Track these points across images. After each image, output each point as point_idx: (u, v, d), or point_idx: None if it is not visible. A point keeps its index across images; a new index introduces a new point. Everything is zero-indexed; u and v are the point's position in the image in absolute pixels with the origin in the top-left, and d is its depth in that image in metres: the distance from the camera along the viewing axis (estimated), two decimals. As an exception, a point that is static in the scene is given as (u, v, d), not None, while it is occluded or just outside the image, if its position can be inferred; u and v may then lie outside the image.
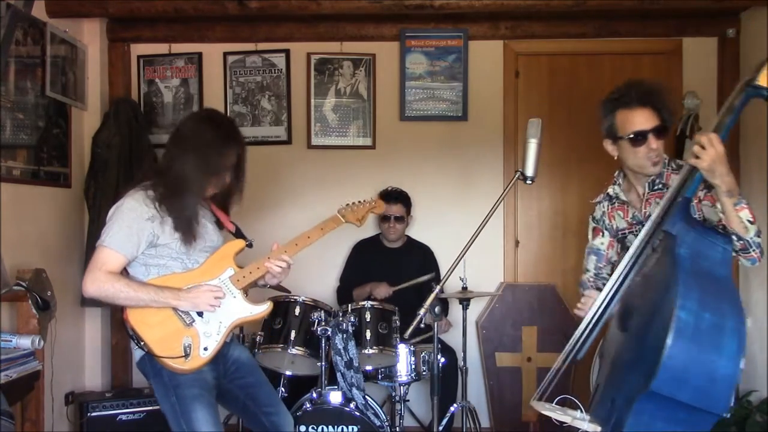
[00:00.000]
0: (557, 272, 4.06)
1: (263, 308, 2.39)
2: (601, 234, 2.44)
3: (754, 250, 2.02)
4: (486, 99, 4.04)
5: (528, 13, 3.82)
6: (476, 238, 2.25)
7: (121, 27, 3.97)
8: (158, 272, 2.28)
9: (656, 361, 1.74)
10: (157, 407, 3.38)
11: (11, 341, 2.80)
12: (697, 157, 1.89)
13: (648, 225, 2.02)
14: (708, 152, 1.87)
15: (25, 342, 2.81)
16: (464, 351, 3.28)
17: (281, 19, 3.91)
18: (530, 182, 2.28)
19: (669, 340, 1.72)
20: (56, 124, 3.56)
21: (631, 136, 2.17)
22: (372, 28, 3.98)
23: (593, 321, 2.07)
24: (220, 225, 2.46)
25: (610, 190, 2.39)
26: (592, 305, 2.12)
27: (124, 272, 2.28)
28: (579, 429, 1.97)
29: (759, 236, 2.02)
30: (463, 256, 2.28)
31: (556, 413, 1.98)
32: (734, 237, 1.99)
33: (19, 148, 3.24)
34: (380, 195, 3.77)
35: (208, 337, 2.28)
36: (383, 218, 3.78)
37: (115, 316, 3.98)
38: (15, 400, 2.75)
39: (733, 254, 2.02)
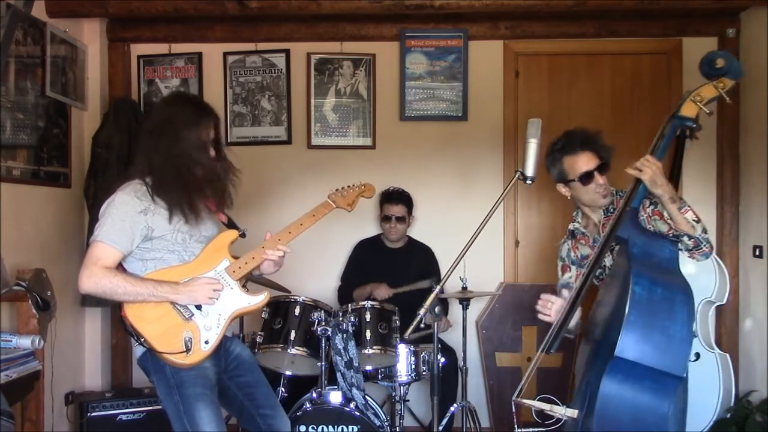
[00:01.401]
0: (557, 272, 4.05)
1: (261, 298, 2.38)
2: (568, 269, 2.70)
3: (705, 245, 2.31)
4: (486, 99, 4.04)
5: (528, 13, 3.82)
6: (476, 238, 2.25)
7: (121, 27, 3.97)
8: (155, 266, 2.26)
9: (618, 330, 1.96)
10: (158, 407, 3.45)
11: (11, 341, 2.80)
12: (640, 171, 2.22)
13: (605, 232, 2.25)
14: (649, 167, 2.22)
15: (25, 342, 2.81)
16: (464, 351, 3.28)
17: (281, 19, 3.91)
18: (530, 182, 2.30)
19: (626, 309, 1.95)
20: (56, 124, 3.56)
21: (580, 176, 2.47)
22: (372, 28, 3.98)
23: (562, 320, 2.20)
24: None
25: (570, 227, 2.68)
26: (554, 308, 2.36)
27: (120, 268, 2.26)
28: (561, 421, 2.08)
29: (706, 233, 2.32)
30: (463, 256, 2.28)
31: (536, 404, 2.08)
32: (685, 237, 2.29)
33: (19, 148, 3.24)
34: (382, 195, 3.77)
35: (209, 330, 2.27)
36: (385, 218, 3.78)
37: (116, 315, 3.98)
38: (15, 400, 2.75)
39: (687, 254, 2.32)
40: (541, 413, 2.10)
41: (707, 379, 3.19)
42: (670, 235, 2.32)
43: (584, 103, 4.04)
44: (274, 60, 4.08)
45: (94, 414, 3.44)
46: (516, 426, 2.25)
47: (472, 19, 3.93)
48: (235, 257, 2.36)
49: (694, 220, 2.29)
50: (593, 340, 2.25)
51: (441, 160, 4.07)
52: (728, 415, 3.34)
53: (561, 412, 2.04)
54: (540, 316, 2.41)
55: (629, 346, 1.94)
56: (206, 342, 2.26)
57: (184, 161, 2.25)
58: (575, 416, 2.04)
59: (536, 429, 2.17)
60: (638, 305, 1.96)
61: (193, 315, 2.26)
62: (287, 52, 4.06)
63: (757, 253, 3.59)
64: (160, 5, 3.55)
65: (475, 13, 3.79)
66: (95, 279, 2.17)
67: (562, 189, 2.58)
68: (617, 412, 1.97)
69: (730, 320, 3.81)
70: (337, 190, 2.57)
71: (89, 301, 3.73)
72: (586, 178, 2.46)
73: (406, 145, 4.07)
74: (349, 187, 2.60)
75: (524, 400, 2.10)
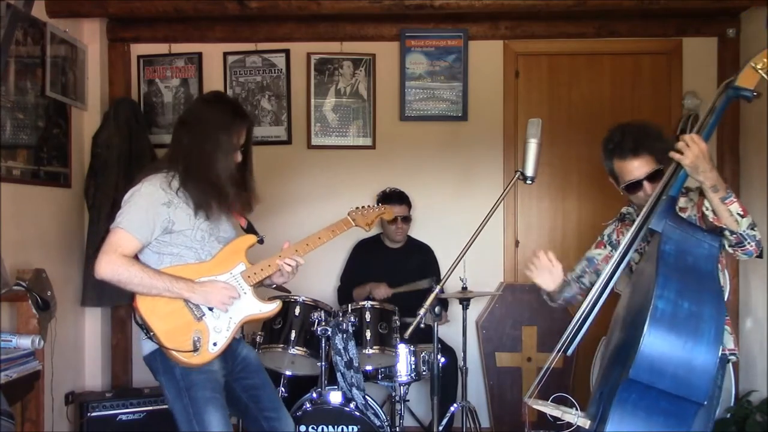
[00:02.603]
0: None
1: (272, 307, 2.37)
2: (602, 247, 2.50)
3: (749, 243, 2.05)
4: (486, 99, 4.04)
5: (528, 13, 3.82)
6: (476, 238, 2.25)
7: (121, 27, 3.97)
8: (171, 261, 2.25)
9: (636, 349, 1.78)
10: (158, 407, 3.46)
11: (11, 341, 2.80)
12: (681, 154, 2.00)
13: (636, 222, 2.09)
14: (691, 149, 1.98)
15: (25, 342, 2.81)
16: (464, 351, 3.28)
17: (281, 19, 3.91)
18: (530, 182, 2.28)
19: (646, 329, 1.77)
20: (56, 124, 3.56)
21: (626, 186, 2.28)
22: (372, 28, 3.98)
23: (582, 317, 2.11)
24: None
25: (623, 209, 2.48)
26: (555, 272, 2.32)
27: (136, 259, 2.24)
28: (573, 426, 2.01)
29: (753, 229, 2.05)
30: (463, 256, 2.28)
31: (548, 408, 2.01)
32: (727, 232, 2.03)
33: (19, 148, 3.24)
34: (381, 196, 3.76)
35: (218, 333, 2.25)
36: (390, 220, 3.75)
37: (116, 315, 3.98)
38: (15, 400, 2.75)
39: (730, 250, 2.08)
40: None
41: (707, 379, 3.19)
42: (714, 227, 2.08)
43: (584, 103, 4.04)
44: (274, 60, 4.08)
45: (94, 414, 3.43)
46: (527, 428, 2.18)
47: (472, 19, 3.93)
48: (251, 263, 2.36)
49: (738, 214, 2.02)
50: (613, 345, 2.10)
51: (441, 160, 4.07)
52: (728, 415, 3.34)
53: (573, 420, 1.98)
54: (529, 272, 2.37)
55: (644, 368, 1.77)
56: (214, 344, 2.25)
57: (210, 160, 2.25)
58: (587, 427, 1.98)
59: (545, 408, 2.04)
60: (659, 323, 1.78)
61: (204, 315, 2.25)
62: (287, 52, 4.06)
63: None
64: (160, 5, 3.55)
65: (475, 13, 3.79)
66: (113, 266, 2.14)
67: (614, 183, 2.40)
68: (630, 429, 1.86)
69: (730, 320, 3.80)
70: (357, 208, 2.56)
71: (89, 301, 3.74)
72: (633, 188, 2.26)
73: (406, 145, 4.07)
74: (369, 207, 2.58)
75: (537, 402, 2.03)
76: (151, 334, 2.20)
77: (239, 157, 2.34)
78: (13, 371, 2.70)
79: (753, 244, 2.06)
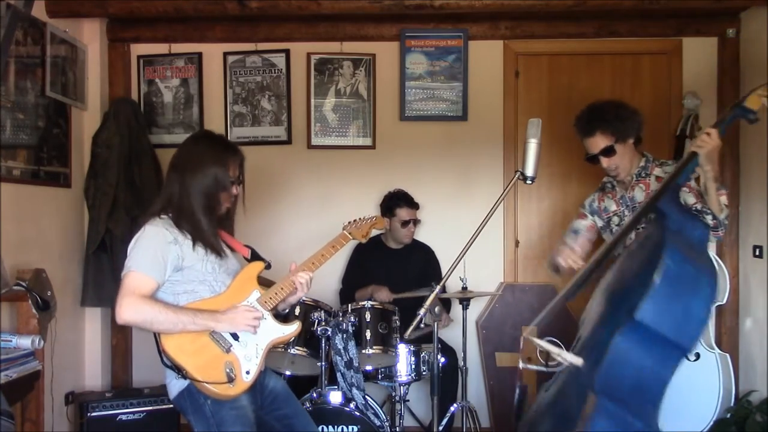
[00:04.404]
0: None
1: (294, 327, 2.41)
2: (585, 218, 2.88)
3: (722, 229, 2.51)
4: (486, 99, 4.04)
5: (528, 13, 3.81)
6: (476, 238, 2.25)
7: (121, 27, 3.97)
8: (187, 299, 2.25)
9: (642, 295, 1.99)
10: (157, 407, 3.49)
11: (11, 341, 2.80)
12: (700, 146, 2.33)
13: (646, 201, 2.38)
14: (710, 142, 2.33)
15: (25, 342, 2.81)
16: (464, 351, 3.28)
17: (281, 19, 3.91)
18: (530, 182, 2.29)
19: (656, 278, 1.98)
20: (56, 124, 3.56)
21: (586, 158, 2.71)
22: (372, 28, 3.98)
23: (590, 269, 2.36)
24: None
25: (605, 179, 2.86)
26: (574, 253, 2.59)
27: None
28: (560, 365, 2.19)
29: (727, 219, 2.51)
30: (463, 256, 2.28)
31: (543, 343, 2.17)
32: (710, 217, 2.48)
33: (19, 148, 3.24)
34: (391, 200, 3.75)
35: (249, 361, 2.27)
36: (403, 223, 3.74)
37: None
38: (15, 400, 2.75)
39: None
40: (543, 354, 2.20)
41: (707, 379, 3.19)
42: (695, 208, 2.49)
43: (584, 103, 3.97)
44: (274, 60, 4.08)
45: (94, 414, 3.44)
46: (520, 360, 2.37)
47: (472, 19, 3.93)
48: (264, 288, 2.39)
49: (725, 204, 2.47)
50: (609, 300, 2.28)
51: (441, 160, 4.07)
52: (728, 415, 3.34)
53: (567, 358, 2.12)
54: (570, 263, 2.59)
55: (650, 311, 1.98)
56: (247, 372, 2.26)
57: (207, 196, 2.28)
58: (579, 364, 2.10)
59: (538, 367, 2.27)
60: (667, 277, 1.99)
61: (231, 346, 2.25)
62: (287, 52, 4.06)
63: (757, 253, 3.59)
64: (160, 5, 3.55)
65: (475, 13, 3.79)
66: (135, 307, 2.13)
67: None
68: (622, 369, 2.01)
69: (730, 320, 3.80)
70: (350, 222, 2.68)
71: (89, 301, 3.74)
72: (591, 161, 2.68)
73: (406, 145, 4.07)
74: (361, 219, 2.71)
75: (534, 339, 2.19)
76: (184, 372, 2.18)
77: (237, 190, 2.37)
78: (13, 371, 2.70)
79: (724, 230, 2.52)
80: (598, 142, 2.64)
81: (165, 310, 2.16)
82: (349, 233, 2.62)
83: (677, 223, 2.19)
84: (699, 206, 2.52)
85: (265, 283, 2.44)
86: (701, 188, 2.50)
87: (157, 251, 2.20)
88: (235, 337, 2.26)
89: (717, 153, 2.36)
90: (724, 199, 2.47)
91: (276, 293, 2.37)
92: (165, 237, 2.22)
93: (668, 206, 2.23)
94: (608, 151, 2.64)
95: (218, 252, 2.30)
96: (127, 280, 2.18)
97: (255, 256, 2.47)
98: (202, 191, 2.28)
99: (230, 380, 2.20)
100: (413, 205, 3.74)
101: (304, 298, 3.14)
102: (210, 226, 2.29)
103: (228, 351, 2.24)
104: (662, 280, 1.98)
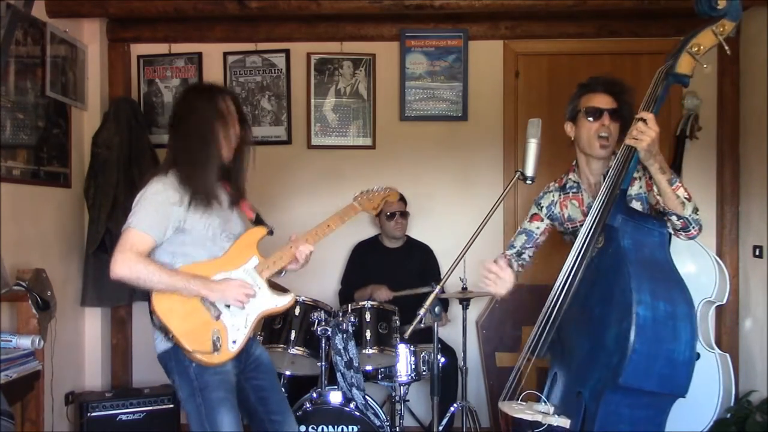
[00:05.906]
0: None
1: (287, 299, 2.37)
2: (540, 220, 2.52)
3: (694, 228, 2.11)
4: (486, 99, 4.04)
5: (528, 13, 3.82)
6: (476, 238, 2.25)
7: (121, 27, 3.97)
8: (184, 261, 2.24)
9: (622, 356, 1.89)
10: (157, 407, 3.48)
11: (11, 341, 2.80)
12: (637, 139, 2.00)
13: (589, 219, 2.10)
14: (648, 133, 1.98)
15: (25, 342, 2.81)
16: (464, 351, 3.28)
17: (281, 19, 3.91)
18: (530, 182, 2.28)
19: (632, 337, 1.87)
20: (56, 124, 3.56)
21: (587, 108, 2.30)
22: (372, 28, 3.98)
23: (550, 318, 2.14)
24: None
25: (564, 179, 2.52)
26: (497, 278, 2.27)
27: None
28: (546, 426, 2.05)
29: (697, 213, 2.11)
30: (463, 256, 2.28)
31: (525, 413, 2.06)
32: (674, 217, 2.08)
33: (19, 148, 3.24)
34: None
35: (237, 330, 2.25)
36: (389, 216, 3.75)
37: (116, 315, 3.98)
38: (15, 400, 2.75)
39: (673, 233, 2.13)
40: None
41: (707, 379, 3.19)
42: (658, 209, 2.13)
43: (584, 103, 4.03)
44: (274, 60, 4.08)
45: (94, 414, 3.44)
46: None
47: (472, 19, 3.93)
48: (263, 256, 2.35)
49: (685, 198, 2.07)
50: (580, 343, 2.13)
51: (441, 160, 4.07)
52: (728, 415, 3.34)
53: (552, 421, 2.02)
54: (483, 286, 2.32)
55: (633, 375, 1.89)
56: (234, 342, 2.25)
57: (202, 134, 2.25)
58: (567, 426, 2.02)
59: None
60: (643, 331, 1.88)
61: (221, 314, 2.24)
62: (287, 52, 4.06)
63: (757, 253, 3.59)
64: (160, 5, 3.55)
65: (475, 13, 3.79)
66: (130, 264, 2.14)
67: (568, 128, 2.44)
68: (617, 426, 1.97)
69: (730, 320, 3.80)
70: (362, 192, 2.54)
71: (89, 301, 3.74)
72: (594, 113, 2.28)
73: (406, 145, 4.07)
74: (373, 190, 2.57)
75: (512, 407, 2.07)
76: (171, 335, 2.19)
77: (237, 130, 2.33)
78: (13, 371, 2.70)
79: (697, 228, 2.11)
80: (609, 101, 2.30)
81: (158, 272, 2.15)
82: (359, 204, 2.50)
83: (632, 234, 2.01)
84: (662, 206, 2.11)
85: (273, 286, 2.39)
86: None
87: (158, 210, 2.19)
88: (227, 305, 2.25)
89: (657, 143, 2.00)
90: (682, 192, 2.06)
91: (275, 262, 2.34)
92: (169, 196, 2.21)
93: (617, 218, 2.03)
94: (616, 112, 2.28)
95: (213, 201, 2.24)
96: (126, 237, 2.18)
97: (259, 221, 2.43)
98: (197, 131, 2.25)
99: (215, 349, 2.19)
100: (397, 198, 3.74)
101: (304, 298, 3.14)
102: (210, 173, 2.25)
103: (217, 318, 2.23)
104: (637, 336, 1.86)
